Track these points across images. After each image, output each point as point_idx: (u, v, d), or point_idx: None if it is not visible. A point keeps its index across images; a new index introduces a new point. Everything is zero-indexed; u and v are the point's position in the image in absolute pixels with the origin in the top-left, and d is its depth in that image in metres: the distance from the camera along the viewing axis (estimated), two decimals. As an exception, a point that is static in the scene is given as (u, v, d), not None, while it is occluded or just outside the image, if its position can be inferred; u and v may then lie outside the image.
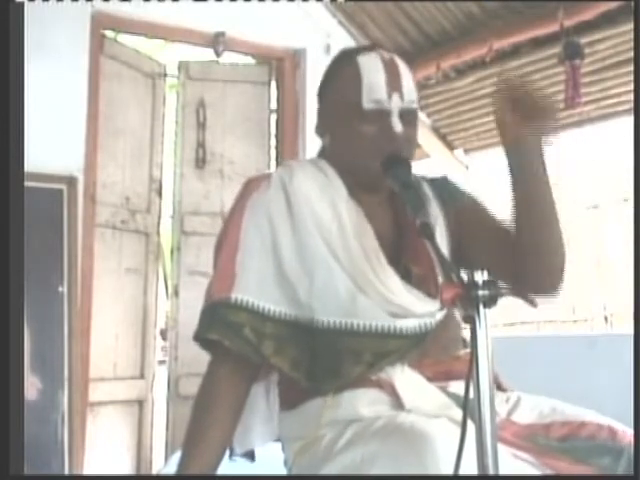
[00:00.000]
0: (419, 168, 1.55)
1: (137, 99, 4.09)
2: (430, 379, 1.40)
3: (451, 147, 5.04)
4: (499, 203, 1.52)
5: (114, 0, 3.82)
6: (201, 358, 1.46)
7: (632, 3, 3.43)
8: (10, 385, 1.45)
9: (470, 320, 1.04)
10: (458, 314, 1.39)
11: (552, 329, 5.02)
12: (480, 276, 1.04)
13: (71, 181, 3.61)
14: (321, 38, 4.35)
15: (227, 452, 1.53)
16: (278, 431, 1.53)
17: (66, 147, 3.64)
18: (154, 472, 4.00)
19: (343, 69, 1.49)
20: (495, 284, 1.05)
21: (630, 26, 3.56)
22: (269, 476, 1.82)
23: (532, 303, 1.30)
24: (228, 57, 4.41)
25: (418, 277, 1.46)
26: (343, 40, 4.27)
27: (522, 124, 1.31)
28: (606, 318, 4.96)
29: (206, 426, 1.37)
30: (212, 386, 1.40)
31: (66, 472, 3.33)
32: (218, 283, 1.41)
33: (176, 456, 1.49)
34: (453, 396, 1.36)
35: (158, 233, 4.17)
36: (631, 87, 3.84)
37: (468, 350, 1.06)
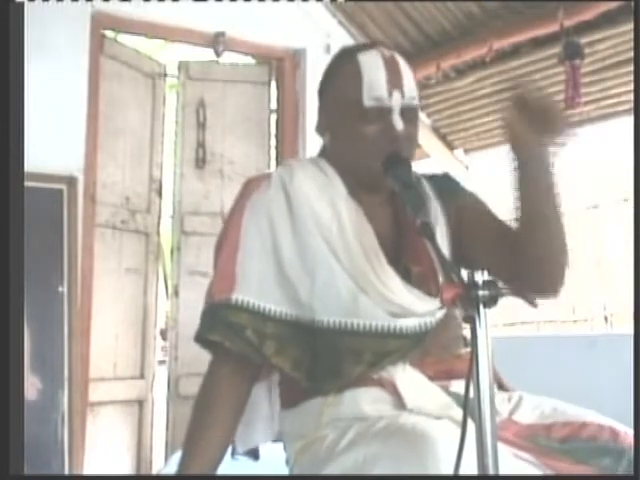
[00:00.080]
0: (419, 168, 1.55)
1: (137, 99, 4.09)
2: (431, 378, 1.40)
3: (451, 147, 5.04)
4: (499, 203, 1.52)
5: (114, 0, 3.82)
6: (201, 358, 1.46)
7: (632, 3, 3.44)
8: (10, 385, 1.45)
9: (470, 320, 1.04)
10: (459, 313, 1.39)
11: (552, 329, 5.01)
12: (480, 276, 1.05)
13: (71, 181, 3.61)
14: (321, 38, 4.35)
15: (230, 451, 1.53)
16: (279, 430, 1.53)
17: (66, 147, 3.64)
18: (154, 472, 4.00)
19: (343, 67, 1.48)
20: (495, 284, 1.05)
21: (630, 26, 3.56)
22: (269, 476, 1.82)
23: (532, 303, 1.30)
24: (228, 57, 4.41)
25: (418, 276, 1.45)
26: (343, 40, 4.26)
27: (537, 139, 1.31)
28: (606, 318, 4.96)
29: (207, 426, 1.37)
30: (213, 386, 1.40)
31: (66, 472, 3.33)
32: (219, 284, 1.41)
33: (176, 456, 1.49)
34: (454, 395, 1.36)
35: (158, 233, 4.17)
36: (631, 87, 3.84)
37: (469, 349, 1.06)
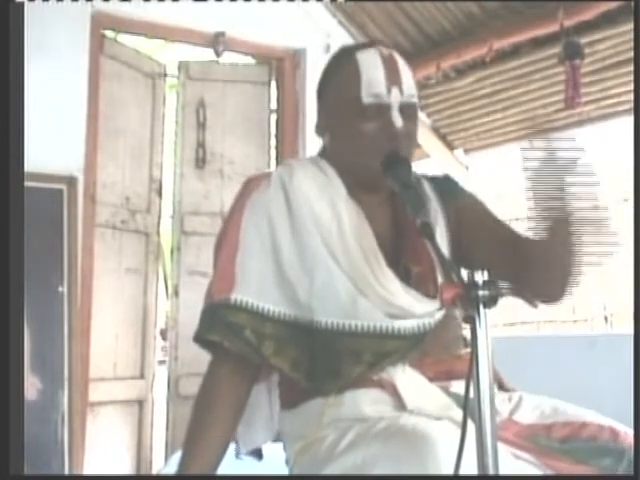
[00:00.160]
0: (419, 168, 1.55)
1: (137, 99, 4.09)
2: (431, 379, 1.39)
3: (451, 147, 5.04)
4: (499, 203, 1.52)
5: (114, 0, 3.82)
6: (201, 358, 1.46)
7: (632, 3, 3.43)
8: (10, 385, 1.45)
9: (470, 320, 1.04)
10: (458, 313, 1.38)
11: (552, 329, 5.01)
12: (480, 276, 1.04)
13: (71, 181, 3.61)
14: (321, 38, 4.35)
15: (234, 451, 1.53)
16: (279, 430, 1.53)
17: (66, 147, 3.64)
18: (154, 472, 4.00)
19: (342, 66, 1.48)
20: (495, 284, 1.04)
21: (630, 26, 3.56)
22: (269, 476, 1.82)
23: (532, 303, 1.30)
24: (228, 57, 4.41)
25: (417, 277, 1.45)
26: (343, 40, 4.25)
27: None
28: (606, 318, 4.96)
29: (207, 426, 1.37)
30: (213, 386, 1.40)
31: (66, 472, 3.33)
32: (218, 284, 1.41)
33: (176, 456, 1.49)
34: (454, 396, 1.36)
35: (158, 233, 4.17)
36: (631, 87, 3.84)
37: (469, 349, 1.06)
